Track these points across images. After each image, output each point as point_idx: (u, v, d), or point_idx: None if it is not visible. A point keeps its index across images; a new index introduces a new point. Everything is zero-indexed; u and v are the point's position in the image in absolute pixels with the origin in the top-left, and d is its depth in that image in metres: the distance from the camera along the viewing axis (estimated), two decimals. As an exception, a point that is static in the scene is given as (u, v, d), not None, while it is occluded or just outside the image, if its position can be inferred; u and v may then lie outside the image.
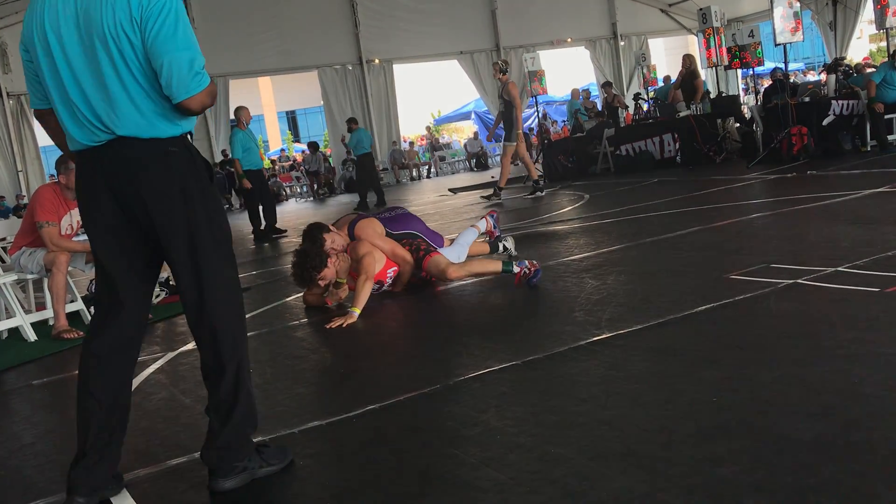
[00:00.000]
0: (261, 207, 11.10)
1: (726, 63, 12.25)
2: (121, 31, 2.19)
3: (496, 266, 4.97)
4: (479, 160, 24.38)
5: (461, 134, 33.06)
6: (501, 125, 11.23)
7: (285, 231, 11.22)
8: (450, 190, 15.31)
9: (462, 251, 5.46)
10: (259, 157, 11.45)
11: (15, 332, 5.54)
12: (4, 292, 5.48)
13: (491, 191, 11.59)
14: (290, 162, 26.05)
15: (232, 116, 12.58)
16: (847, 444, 2.08)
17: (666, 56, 28.68)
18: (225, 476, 2.41)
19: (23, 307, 5.70)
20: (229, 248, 2.47)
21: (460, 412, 2.78)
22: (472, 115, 28.83)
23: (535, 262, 4.83)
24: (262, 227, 11.02)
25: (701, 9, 12.59)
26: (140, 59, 2.22)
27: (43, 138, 17.71)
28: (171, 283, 6.96)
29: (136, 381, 3.89)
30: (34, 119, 1.89)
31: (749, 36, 11.83)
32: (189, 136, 2.40)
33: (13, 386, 4.33)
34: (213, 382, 2.44)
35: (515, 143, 10.98)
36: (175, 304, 6.13)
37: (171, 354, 4.47)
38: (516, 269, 4.77)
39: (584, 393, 2.78)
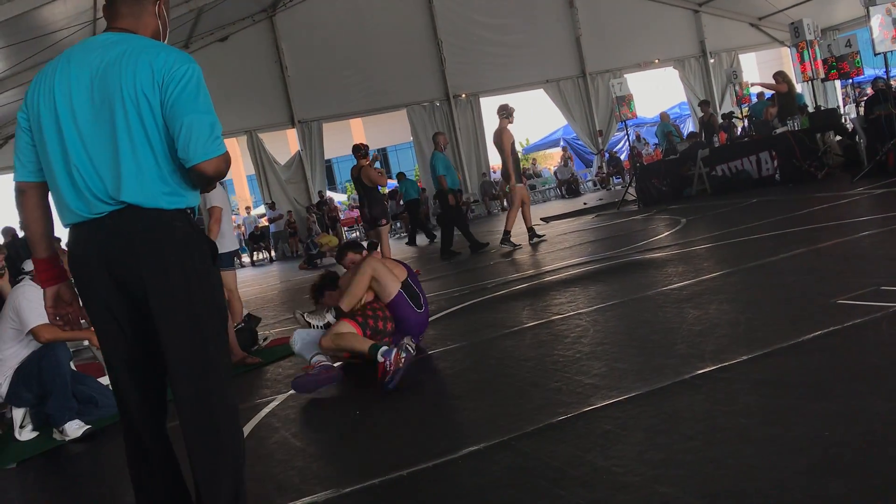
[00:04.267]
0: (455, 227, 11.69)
1: (823, 76, 11.85)
2: (140, 94, 2.17)
3: (365, 346, 4.54)
4: (570, 187, 24.29)
5: (551, 161, 33.03)
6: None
7: (486, 244, 11.77)
8: (542, 219, 15.29)
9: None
10: (457, 178, 12.35)
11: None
12: None
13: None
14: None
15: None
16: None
17: (759, 71, 27.99)
18: None
19: None
20: (225, 334, 2.36)
21: (565, 452, 2.80)
22: (561, 142, 28.82)
23: (402, 357, 4.22)
24: (471, 246, 11.60)
25: (793, 22, 12.20)
26: (157, 122, 2.19)
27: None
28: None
29: (249, 426, 4.08)
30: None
31: (846, 46, 11.46)
32: (192, 213, 2.35)
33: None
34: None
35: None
36: (281, 346, 6.34)
37: (280, 397, 4.65)
38: (381, 359, 4.24)
39: (690, 430, 2.76)
